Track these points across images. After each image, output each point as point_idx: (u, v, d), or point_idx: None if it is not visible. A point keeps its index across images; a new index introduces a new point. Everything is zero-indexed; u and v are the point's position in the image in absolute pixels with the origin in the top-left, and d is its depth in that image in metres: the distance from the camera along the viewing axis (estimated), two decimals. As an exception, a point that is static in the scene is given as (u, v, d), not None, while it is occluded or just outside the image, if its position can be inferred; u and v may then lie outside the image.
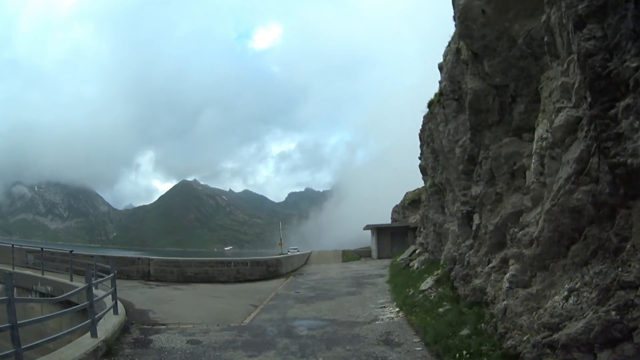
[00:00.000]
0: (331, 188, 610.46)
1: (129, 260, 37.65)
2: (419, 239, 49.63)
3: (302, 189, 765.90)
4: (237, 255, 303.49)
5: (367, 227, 75.03)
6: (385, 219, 76.84)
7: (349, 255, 72.18)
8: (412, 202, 75.55)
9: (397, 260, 47.00)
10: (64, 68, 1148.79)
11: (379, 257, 65.10)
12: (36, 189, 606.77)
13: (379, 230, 69.07)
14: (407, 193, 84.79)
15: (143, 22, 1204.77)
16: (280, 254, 75.01)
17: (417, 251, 43.92)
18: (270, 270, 39.67)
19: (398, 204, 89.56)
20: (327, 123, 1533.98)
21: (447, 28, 20.40)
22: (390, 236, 67.65)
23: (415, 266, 34.02)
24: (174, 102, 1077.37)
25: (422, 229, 45.69)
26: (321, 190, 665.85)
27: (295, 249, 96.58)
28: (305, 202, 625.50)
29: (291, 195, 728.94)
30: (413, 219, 68.10)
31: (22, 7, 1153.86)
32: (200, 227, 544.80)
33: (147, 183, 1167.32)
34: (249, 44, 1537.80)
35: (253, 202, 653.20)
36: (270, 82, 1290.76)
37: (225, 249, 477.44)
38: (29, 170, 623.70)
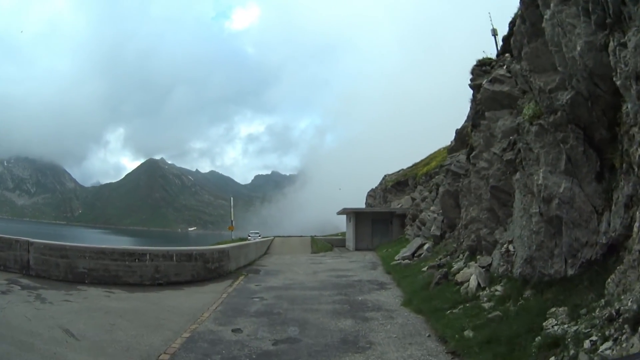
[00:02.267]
0: (297, 172, 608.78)
1: (5, 242, 23.45)
2: (411, 230, 45.35)
3: (269, 172, 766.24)
4: (201, 237, 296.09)
5: (342, 212, 62.78)
6: (350, 205, 63.84)
7: (320, 244, 58.39)
8: (396, 184, 65.55)
9: (388, 254, 38.55)
10: (39, 41, 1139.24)
11: (357, 249, 53.94)
12: (5, 163, 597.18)
13: (357, 216, 56.20)
14: (386, 175, 79.25)
15: None
16: (232, 241, 63.07)
17: (425, 246, 32.02)
18: (209, 268, 25.17)
19: (376, 187, 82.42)
20: (297, 107, 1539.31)
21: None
22: (371, 224, 55.53)
23: (474, 283, 17.45)
24: (146, 79, 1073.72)
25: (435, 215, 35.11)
26: (287, 174, 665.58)
27: (257, 233, 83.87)
28: (270, 185, 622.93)
29: (257, 177, 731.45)
30: (397, 204, 59.54)
31: None
32: (166, 207, 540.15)
33: (116, 160, 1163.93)
34: (226, 24, 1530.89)
35: (219, 183, 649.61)
36: (244, 63, 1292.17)
37: (189, 229, 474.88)
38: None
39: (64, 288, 19.04)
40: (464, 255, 21.73)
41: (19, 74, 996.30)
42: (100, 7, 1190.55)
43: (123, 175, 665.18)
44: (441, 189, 30.26)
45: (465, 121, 30.57)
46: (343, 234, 73.80)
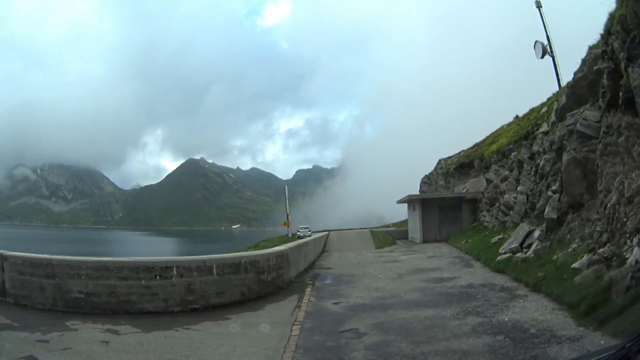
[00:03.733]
0: (338, 165, 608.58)
1: None
2: (489, 215, 40.37)
3: (310, 166, 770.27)
4: (245, 235, 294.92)
5: (405, 200, 57.27)
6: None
7: (382, 238, 52.53)
8: (459, 166, 58.97)
9: (472, 245, 33.48)
10: (66, 46, 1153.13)
11: (425, 240, 48.61)
12: (39, 171, 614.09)
13: (424, 204, 50.81)
14: (441, 160, 72.94)
15: None
16: (288, 238, 61.31)
17: (536, 234, 25.12)
18: (264, 280, 17.92)
19: (431, 172, 77.42)
20: (335, 99, 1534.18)
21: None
22: (439, 212, 50.02)
23: None
24: (180, 79, 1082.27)
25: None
26: (329, 168, 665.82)
27: (307, 228, 77.98)
28: (312, 180, 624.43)
29: (299, 172, 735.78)
30: (463, 188, 54.65)
31: None
32: (208, 206, 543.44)
33: (156, 162, 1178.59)
34: (258, 21, 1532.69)
35: (261, 179, 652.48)
36: (279, 58, 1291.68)
37: (233, 227, 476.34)
38: (31, 151, 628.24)
39: (45, 324, 12.67)
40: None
41: (47, 80, 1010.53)
42: (126, 9, 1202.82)
43: (163, 177, 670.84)
44: (565, 157, 23.01)
45: (579, 70, 24.17)
46: (396, 224, 68.72)
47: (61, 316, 13.77)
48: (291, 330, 12.98)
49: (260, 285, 17.81)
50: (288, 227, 51.80)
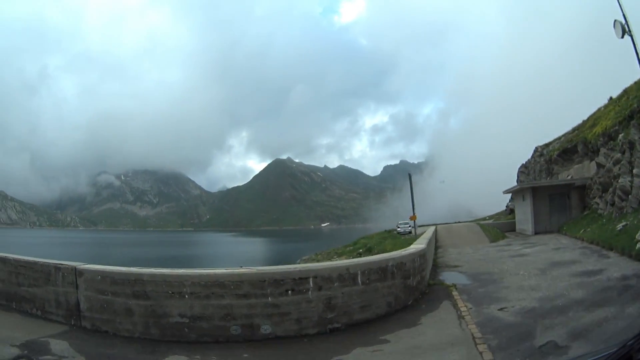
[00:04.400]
0: (425, 159, 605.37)
1: (39, 271, 13.47)
2: (602, 202, 37.76)
3: (397, 162, 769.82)
4: (335, 233, 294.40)
5: (514, 189, 55.58)
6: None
7: (493, 232, 49.86)
8: (562, 152, 56.60)
9: (596, 235, 29.91)
10: (142, 56, 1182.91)
11: (536, 232, 45.85)
12: (123, 177, 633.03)
13: (534, 192, 47.39)
14: (537, 147, 72.33)
15: (220, 2, 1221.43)
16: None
17: None
18: (410, 285, 14.56)
19: (528, 160, 76.02)
20: (418, 93, 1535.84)
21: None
22: (548, 200, 47.26)
23: None
24: (262, 81, 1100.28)
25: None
26: (416, 162, 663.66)
27: (407, 223, 75.78)
28: (400, 175, 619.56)
29: (386, 168, 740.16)
30: (567, 175, 53.62)
31: (86, 0, 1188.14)
32: (296, 205, 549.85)
33: (242, 164, 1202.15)
34: (335, 18, 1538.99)
35: (349, 177, 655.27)
36: (359, 55, 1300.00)
37: (322, 225, 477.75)
38: (114, 159, 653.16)
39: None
40: None
41: (124, 90, 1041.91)
42: (200, 16, 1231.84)
43: (250, 178, 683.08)
44: None
45: None
46: (492, 217, 66.84)
47: (156, 348, 10.27)
48: (480, 353, 9.50)
49: (407, 292, 14.34)
50: (414, 221, 49.27)
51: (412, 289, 14.73)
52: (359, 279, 12.40)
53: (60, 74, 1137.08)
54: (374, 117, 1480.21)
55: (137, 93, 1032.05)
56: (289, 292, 11.07)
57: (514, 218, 57.33)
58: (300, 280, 11.25)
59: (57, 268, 12.51)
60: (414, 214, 50.92)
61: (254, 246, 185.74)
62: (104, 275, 11.63)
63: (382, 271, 13.21)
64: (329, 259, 55.06)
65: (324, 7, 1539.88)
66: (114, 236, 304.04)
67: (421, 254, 16.64)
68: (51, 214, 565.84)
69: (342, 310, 11.61)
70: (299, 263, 63.55)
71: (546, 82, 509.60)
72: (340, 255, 57.89)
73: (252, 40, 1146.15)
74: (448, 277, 21.23)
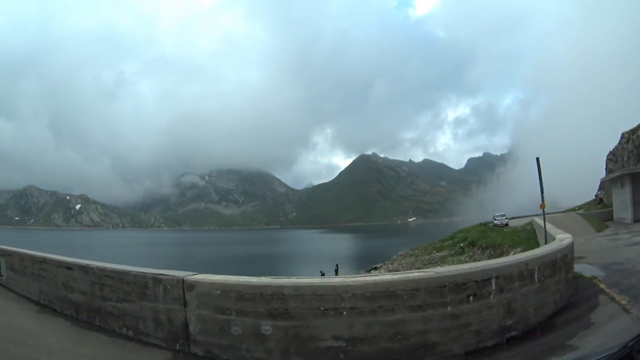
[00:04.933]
0: (508, 151, 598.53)
1: (133, 282, 10.67)
2: None
3: (481, 154, 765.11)
4: (422, 227, 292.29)
5: (610, 178, 54.69)
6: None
7: (594, 222, 49.16)
8: None
9: None
10: (219, 58, 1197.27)
11: (635, 220, 44.41)
12: (207, 177, 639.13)
13: (634, 179, 46.29)
14: (624, 133, 70.91)
15: (293, 0, 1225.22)
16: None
17: None
18: (569, 280, 13.24)
19: (616, 147, 73.96)
20: (498, 83, 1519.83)
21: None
22: None
23: None
24: (342, 77, 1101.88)
25: None
26: (498, 154, 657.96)
27: (503, 215, 75.26)
28: (484, 167, 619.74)
29: (470, 161, 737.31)
30: None
31: (157, 7, 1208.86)
32: (383, 200, 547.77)
33: (327, 161, 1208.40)
34: (410, 12, 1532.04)
35: (433, 170, 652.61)
36: (437, 47, 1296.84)
37: (409, 220, 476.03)
38: (198, 160, 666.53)
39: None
40: None
41: (205, 91, 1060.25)
42: (273, 14, 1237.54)
43: (336, 174, 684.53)
44: None
45: None
46: (582, 207, 66.04)
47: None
48: None
49: (567, 288, 12.81)
50: (544, 209, 46.87)
51: (570, 283, 13.37)
52: (536, 275, 10.68)
53: (137, 79, 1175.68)
54: (456, 110, 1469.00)
55: (217, 94, 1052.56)
56: (470, 297, 8.89)
57: (604, 208, 56.53)
58: (482, 282, 9.11)
59: (157, 280, 9.89)
60: (543, 201, 48.60)
61: (343, 243, 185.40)
62: (226, 288, 8.94)
63: (552, 265, 11.57)
64: (428, 254, 54.47)
65: (399, 1, 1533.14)
66: (199, 235, 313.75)
67: (570, 245, 14.65)
68: (134, 215, 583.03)
69: (519, 314, 9.81)
70: (394, 259, 63.72)
71: (627, 65, 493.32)
72: (439, 249, 57.05)
73: (329, 37, 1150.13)
74: (580, 269, 20.02)
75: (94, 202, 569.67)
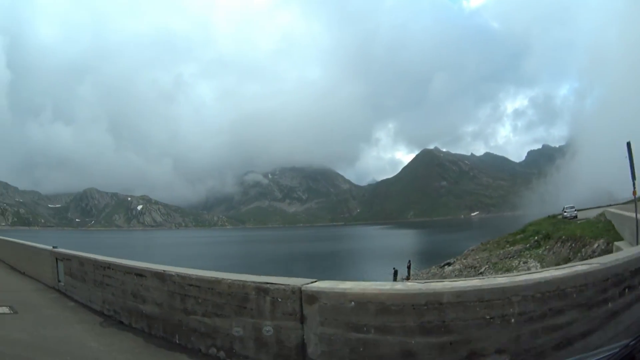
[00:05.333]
0: (566, 142, 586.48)
1: (222, 291, 8.51)
2: None
3: (540, 146, 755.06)
4: (485, 222, 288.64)
5: None
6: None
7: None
8: None
9: None
10: (278, 56, 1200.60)
11: None
12: (270, 176, 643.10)
13: None
14: None
15: None
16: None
17: None
18: None
19: None
20: (553, 73, 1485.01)
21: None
22: None
23: None
24: (401, 71, 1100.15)
25: None
26: (557, 146, 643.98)
27: (572, 207, 73.68)
28: (544, 159, 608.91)
29: (530, 153, 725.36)
30: None
31: (211, 9, 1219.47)
32: (446, 195, 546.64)
33: (390, 156, 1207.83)
34: (464, 3, 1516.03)
35: (495, 164, 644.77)
36: (493, 38, 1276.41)
37: (472, 214, 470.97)
38: (260, 158, 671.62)
39: None
40: None
41: (266, 90, 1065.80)
42: (330, 11, 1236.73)
43: (399, 170, 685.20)
44: None
45: None
46: None
47: None
48: None
49: None
50: (635, 196, 44.32)
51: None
52: None
53: (196, 80, 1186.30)
54: (515, 101, 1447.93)
55: (278, 92, 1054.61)
56: (625, 290, 7.29)
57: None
58: (635, 271, 7.46)
59: (262, 290, 7.70)
60: (634, 188, 46.61)
61: (409, 239, 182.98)
62: (363, 299, 6.69)
63: None
64: (502, 249, 53.25)
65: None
66: (262, 233, 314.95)
67: None
68: (197, 214, 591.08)
69: None
70: (467, 254, 62.73)
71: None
72: (512, 243, 55.67)
73: (386, 32, 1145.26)
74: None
75: (156, 202, 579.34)
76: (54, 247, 18.16)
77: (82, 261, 14.91)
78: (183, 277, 9.06)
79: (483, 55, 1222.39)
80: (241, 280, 7.81)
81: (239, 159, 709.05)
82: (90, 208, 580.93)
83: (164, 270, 9.70)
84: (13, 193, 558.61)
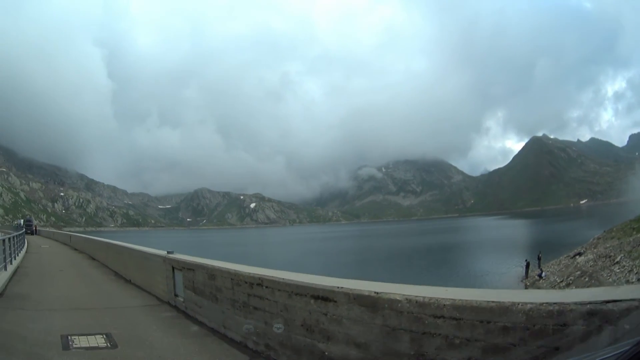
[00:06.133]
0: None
1: (486, 315, 4.80)
2: None
3: None
4: (595, 210, 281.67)
5: None
6: None
7: None
8: None
9: None
10: (383, 49, 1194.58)
11: None
12: (383, 169, 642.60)
13: None
14: None
15: None
16: None
17: None
18: None
19: None
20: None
21: None
22: None
23: None
24: (503, 57, 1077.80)
25: None
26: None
27: None
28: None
29: (632, 137, 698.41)
30: None
31: (311, 6, 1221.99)
32: (555, 183, 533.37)
33: (500, 145, 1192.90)
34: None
35: (600, 149, 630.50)
36: (587, 19, 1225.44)
37: (581, 202, 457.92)
38: (373, 152, 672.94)
39: None
40: None
41: (374, 84, 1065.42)
42: (429, 2, 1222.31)
43: (510, 159, 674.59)
44: None
45: None
46: None
47: None
48: None
49: None
50: None
51: None
52: None
53: (303, 78, 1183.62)
54: (614, 84, 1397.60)
55: (387, 85, 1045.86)
56: None
57: None
58: None
59: (595, 314, 4.26)
60: None
61: (525, 229, 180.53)
62: None
63: None
64: (630, 236, 53.04)
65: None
66: (378, 227, 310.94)
67: None
68: (311, 210, 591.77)
69: None
70: (594, 242, 62.97)
71: None
72: (638, 230, 55.66)
73: (486, 18, 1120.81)
74: None
75: (269, 199, 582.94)
76: (168, 252, 14.83)
77: (212, 273, 10.93)
78: (421, 305, 5.41)
79: (579, 37, 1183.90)
80: (549, 303, 4.48)
81: (352, 153, 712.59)
82: (202, 207, 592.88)
83: (376, 293, 6.02)
84: (122, 196, 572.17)
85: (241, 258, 67.06)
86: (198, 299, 11.76)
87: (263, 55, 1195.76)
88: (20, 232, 43.75)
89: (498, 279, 61.01)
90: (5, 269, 20.43)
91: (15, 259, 26.20)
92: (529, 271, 59.08)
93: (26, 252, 37.82)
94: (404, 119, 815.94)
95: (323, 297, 6.87)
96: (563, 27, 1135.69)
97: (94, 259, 32.35)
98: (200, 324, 11.35)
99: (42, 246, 50.28)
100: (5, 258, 21.01)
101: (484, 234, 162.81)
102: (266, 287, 8.35)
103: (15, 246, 28.40)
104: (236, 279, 9.46)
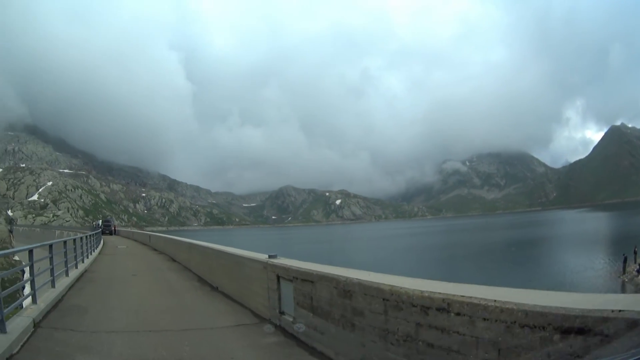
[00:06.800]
0: None
1: None
2: None
3: None
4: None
5: None
6: None
7: None
8: None
9: None
10: (460, 42, 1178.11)
11: None
12: (467, 163, 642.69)
13: None
14: None
15: None
16: None
17: None
18: None
19: None
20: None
21: None
22: None
23: None
24: (578, 45, 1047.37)
25: None
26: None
27: None
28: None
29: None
30: None
31: (385, 1, 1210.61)
32: (636, 173, 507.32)
33: (581, 135, 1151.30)
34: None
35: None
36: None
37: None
38: (457, 146, 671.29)
39: None
40: None
41: (454, 76, 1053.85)
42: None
43: (590, 149, 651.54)
44: None
45: None
46: None
47: None
48: None
49: None
50: None
51: None
52: None
53: (383, 73, 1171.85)
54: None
55: (467, 78, 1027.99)
56: None
57: None
58: None
59: None
60: None
61: (613, 222, 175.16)
62: None
63: None
64: None
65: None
66: (464, 222, 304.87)
67: None
68: (397, 206, 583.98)
69: None
70: None
71: None
72: None
73: (559, 6, 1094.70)
74: None
75: (355, 196, 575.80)
76: (270, 255, 11.53)
77: (346, 289, 7.52)
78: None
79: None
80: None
81: (436, 147, 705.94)
82: (287, 205, 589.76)
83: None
84: (205, 195, 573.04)
85: (328, 256, 68.13)
86: (320, 322, 8.44)
87: (342, 51, 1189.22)
88: (95, 232, 44.14)
89: (593, 275, 59.48)
90: (67, 275, 18.63)
91: (83, 262, 25.00)
92: (626, 267, 56.03)
93: (99, 253, 37.63)
94: (486, 110, 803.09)
95: (582, 329, 3.84)
96: (635, 10, 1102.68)
97: (174, 260, 30.42)
98: (321, 355, 8.27)
99: (119, 247, 49.69)
100: (67, 262, 19.17)
101: (571, 228, 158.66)
102: (456, 313, 5.18)
103: (85, 247, 27.49)
104: (393, 300, 6.27)
